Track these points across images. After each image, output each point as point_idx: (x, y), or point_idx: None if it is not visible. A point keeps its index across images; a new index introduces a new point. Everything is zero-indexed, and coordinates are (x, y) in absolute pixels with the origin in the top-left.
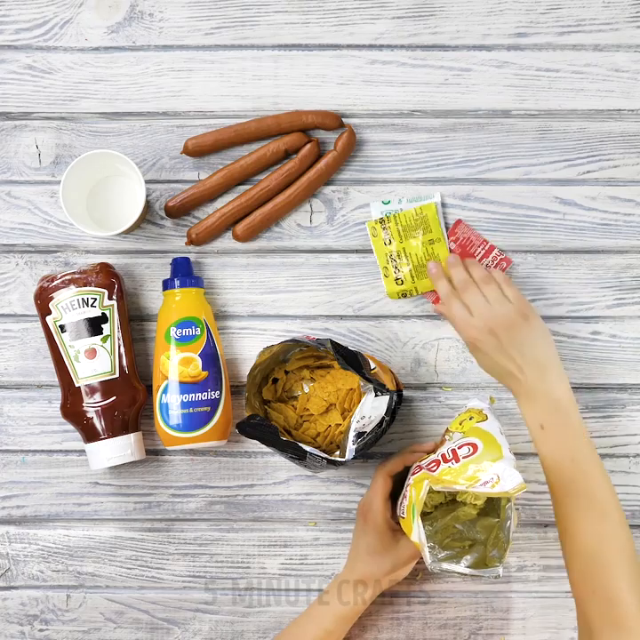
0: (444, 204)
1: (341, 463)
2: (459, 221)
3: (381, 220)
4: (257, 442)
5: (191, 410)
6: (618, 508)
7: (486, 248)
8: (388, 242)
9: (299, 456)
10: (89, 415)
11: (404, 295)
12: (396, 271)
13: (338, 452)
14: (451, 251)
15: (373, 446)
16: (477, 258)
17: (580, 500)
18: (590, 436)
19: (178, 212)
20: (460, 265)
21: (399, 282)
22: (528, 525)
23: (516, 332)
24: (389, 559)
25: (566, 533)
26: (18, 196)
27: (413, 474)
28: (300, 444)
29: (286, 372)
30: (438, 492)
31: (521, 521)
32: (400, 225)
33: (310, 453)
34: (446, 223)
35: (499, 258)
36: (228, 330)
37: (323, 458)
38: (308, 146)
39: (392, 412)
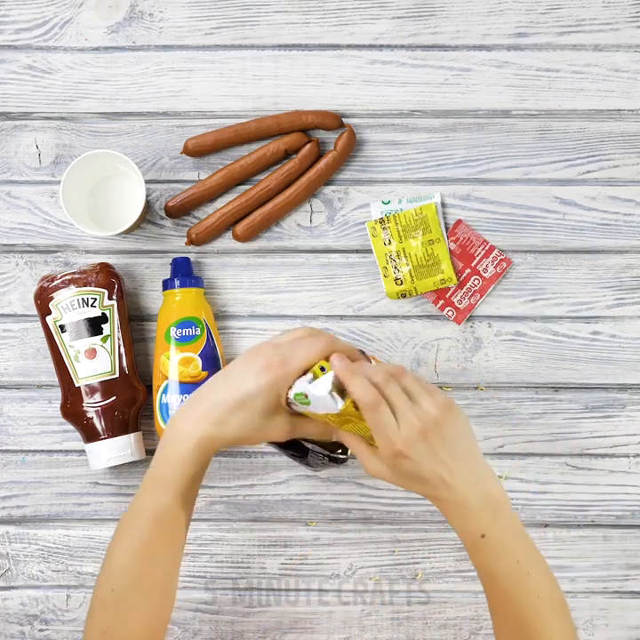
0: (443, 204)
1: (343, 460)
2: (459, 221)
3: (381, 220)
4: None
5: None
6: (561, 600)
7: (486, 248)
8: (387, 242)
9: (301, 453)
10: (89, 415)
11: (404, 295)
12: (396, 271)
13: (339, 451)
14: (451, 251)
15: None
16: (477, 258)
17: (528, 601)
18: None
19: (178, 212)
20: (362, 366)
21: (399, 282)
22: (528, 525)
23: (447, 429)
24: (256, 428)
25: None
26: (18, 196)
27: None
28: (302, 442)
29: None
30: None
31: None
32: (400, 225)
33: (312, 451)
34: (446, 223)
35: (499, 258)
36: (228, 330)
37: (324, 455)
38: (308, 146)
39: None
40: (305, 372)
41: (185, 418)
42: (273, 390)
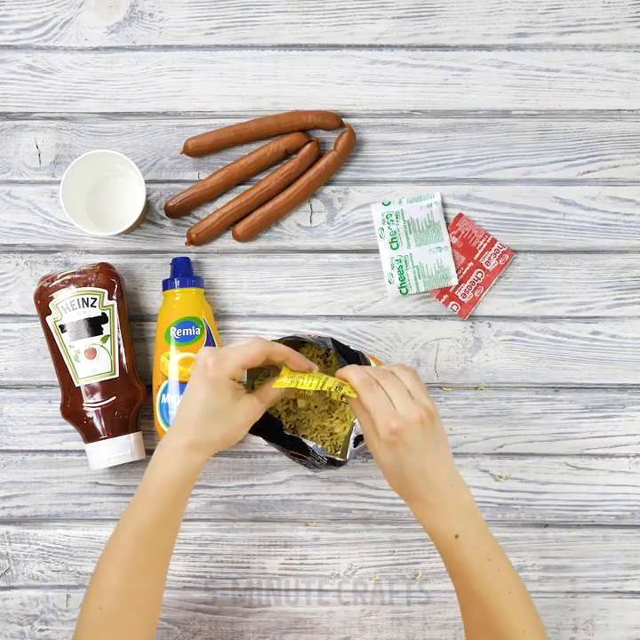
0: (444, 204)
1: (341, 463)
2: (460, 215)
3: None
4: (257, 442)
5: None
6: (527, 596)
7: (488, 241)
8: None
9: (301, 452)
10: (89, 415)
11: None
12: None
13: (338, 452)
14: (453, 245)
15: None
16: (480, 251)
17: (500, 595)
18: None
19: (178, 212)
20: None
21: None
22: (528, 525)
23: (438, 425)
24: (226, 420)
25: (486, 629)
26: (18, 196)
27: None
28: (304, 440)
29: None
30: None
31: (520, 520)
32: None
33: (313, 450)
34: (447, 221)
35: (501, 250)
36: (228, 330)
37: (323, 456)
38: (308, 146)
39: None
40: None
41: (167, 440)
42: (218, 387)
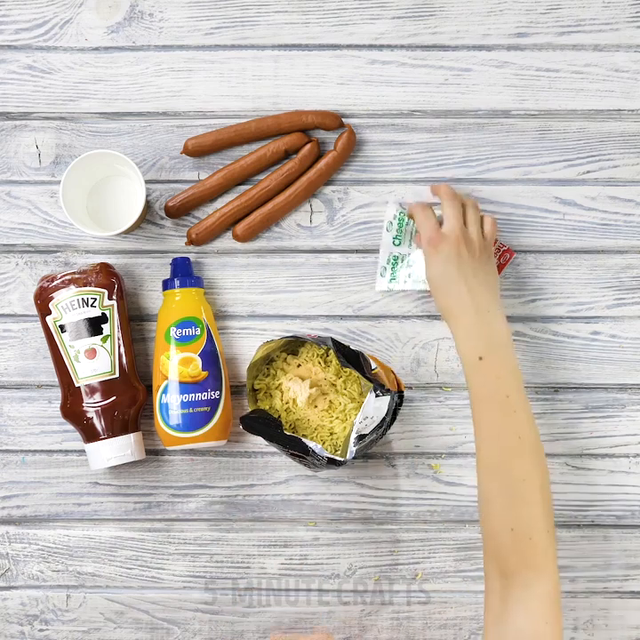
0: None
1: (341, 463)
2: None
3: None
4: (257, 442)
5: (191, 410)
6: (539, 445)
7: None
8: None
9: (301, 452)
10: (89, 415)
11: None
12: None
13: (338, 452)
14: None
15: (374, 446)
16: None
17: (510, 437)
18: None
19: (178, 211)
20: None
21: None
22: None
23: (477, 260)
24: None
25: (495, 469)
26: (18, 196)
27: None
28: (304, 440)
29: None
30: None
31: None
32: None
33: (313, 450)
34: None
35: (502, 249)
36: (228, 330)
37: (323, 456)
38: (308, 146)
39: (393, 413)
40: None
41: None
42: None
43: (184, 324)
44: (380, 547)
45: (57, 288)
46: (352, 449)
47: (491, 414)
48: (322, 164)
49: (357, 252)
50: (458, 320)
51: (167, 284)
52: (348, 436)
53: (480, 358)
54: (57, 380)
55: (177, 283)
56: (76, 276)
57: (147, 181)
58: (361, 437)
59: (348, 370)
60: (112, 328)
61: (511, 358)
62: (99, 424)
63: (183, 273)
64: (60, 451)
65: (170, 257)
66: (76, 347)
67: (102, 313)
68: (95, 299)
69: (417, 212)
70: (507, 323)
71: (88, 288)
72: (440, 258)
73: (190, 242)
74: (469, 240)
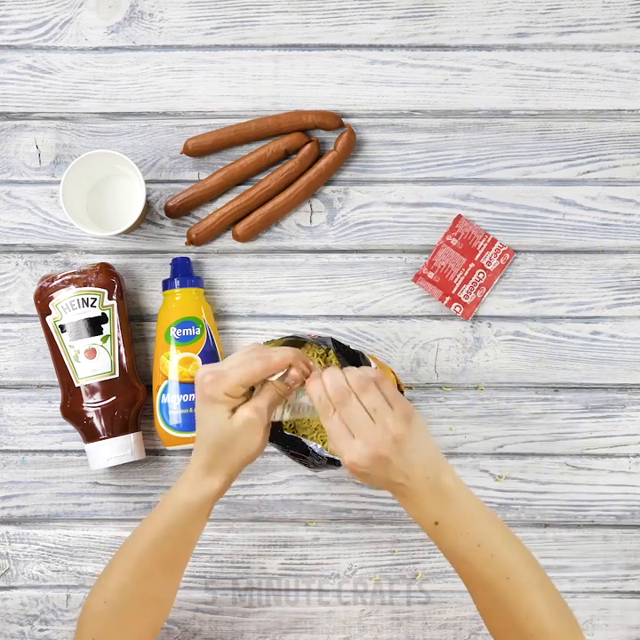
0: (444, 205)
1: (341, 463)
2: (459, 217)
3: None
4: None
5: (191, 410)
6: (537, 576)
7: (488, 241)
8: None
9: (301, 452)
10: (89, 415)
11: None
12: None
13: None
14: (452, 247)
15: None
16: (480, 251)
17: (499, 585)
18: (488, 510)
19: (178, 211)
20: (331, 371)
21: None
22: (528, 525)
23: (404, 444)
24: (230, 441)
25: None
26: (18, 196)
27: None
28: (304, 440)
29: None
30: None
31: (520, 520)
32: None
33: (313, 450)
34: (445, 221)
35: (502, 250)
36: (228, 330)
37: (323, 456)
38: (308, 146)
39: None
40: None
41: (191, 459)
42: (214, 405)
43: (184, 323)
44: (380, 547)
45: (57, 288)
46: None
47: (470, 569)
48: (322, 163)
49: (357, 252)
50: (403, 497)
51: (167, 284)
52: None
53: (436, 523)
54: (57, 379)
55: (177, 283)
56: (76, 276)
57: (147, 181)
58: None
59: None
60: (112, 328)
61: (468, 507)
62: (99, 424)
63: (183, 273)
64: (60, 451)
65: (170, 257)
66: (75, 347)
67: (102, 313)
68: (95, 299)
69: (322, 419)
70: (451, 472)
71: (88, 288)
72: (369, 477)
73: (190, 242)
74: (390, 435)
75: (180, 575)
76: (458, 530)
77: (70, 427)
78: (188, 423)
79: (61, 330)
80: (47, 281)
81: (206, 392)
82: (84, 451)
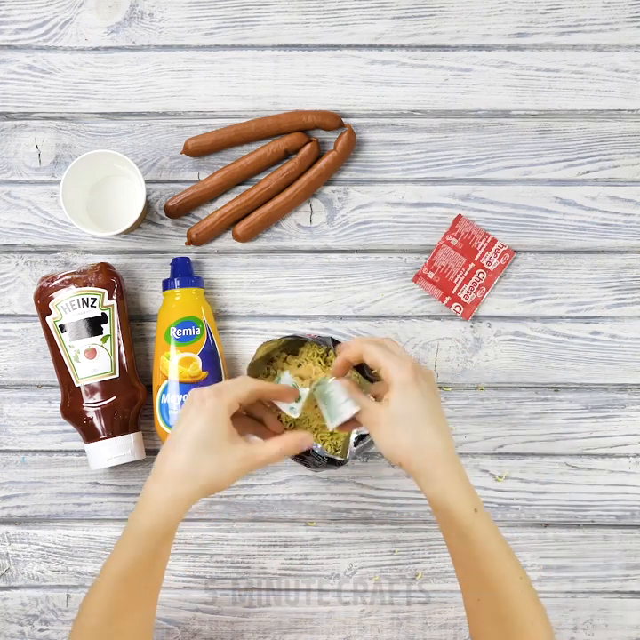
0: (444, 205)
1: (342, 462)
2: (459, 217)
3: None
4: None
5: None
6: (535, 592)
7: (488, 241)
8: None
9: (301, 452)
10: (89, 415)
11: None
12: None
13: (338, 452)
14: (452, 247)
15: (373, 446)
16: (480, 251)
17: (515, 586)
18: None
19: (178, 211)
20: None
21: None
22: (528, 525)
23: (432, 388)
24: (218, 458)
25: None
26: (18, 196)
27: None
28: None
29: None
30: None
31: (520, 520)
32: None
33: (313, 450)
34: (445, 221)
35: (502, 250)
36: (228, 330)
37: (323, 456)
38: (308, 146)
39: None
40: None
41: (153, 480)
42: (216, 418)
43: (184, 323)
44: (380, 547)
45: (57, 288)
46: (352, 449)
47: (491, 566)
48: (322, 163)
49: (357, 252)
50: (440, 476)
51: (167, 284)
52: (348, 435)
53: (475, 510)
54: (57, 379)
55: (177, 283)
56: (76, 275)
57: (147, 181)
58: (361, 437)
59: None
60: (112, 328)
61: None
62: (99, 424)
63: (183, 273)
64: (60, 451)
65: (170, 257)
66: (75, 347)
67: (102, 313)
68: (95, 299)
69: (371, 350)
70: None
71: (88, 288)
72: (420, 389)
73: (190, 242)
74: (418, 371)
75: (154, 606)
76: (490, 521)
77: (70, 427)
78: None
79: (61, 330)
80: (47, 281)
81: (208, 405)
82: (83, 451)
